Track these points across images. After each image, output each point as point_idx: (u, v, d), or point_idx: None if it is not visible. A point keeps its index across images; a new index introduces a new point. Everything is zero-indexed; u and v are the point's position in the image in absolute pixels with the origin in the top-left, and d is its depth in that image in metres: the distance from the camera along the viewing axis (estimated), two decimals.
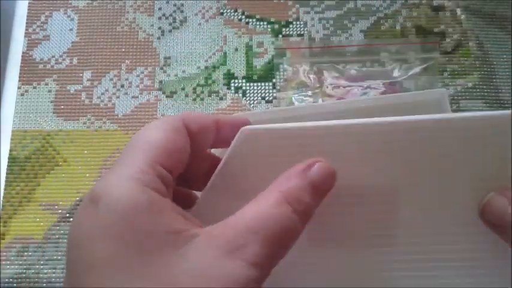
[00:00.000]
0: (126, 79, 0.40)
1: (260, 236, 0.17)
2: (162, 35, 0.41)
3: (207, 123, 0.22)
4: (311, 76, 0.38)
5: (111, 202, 0.17)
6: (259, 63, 0.40)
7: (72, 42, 0.41)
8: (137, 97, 0.39)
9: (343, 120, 0.22)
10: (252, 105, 0.39)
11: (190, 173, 0.22)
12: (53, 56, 0.41)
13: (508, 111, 0.21)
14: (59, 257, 0.35)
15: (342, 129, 0.22)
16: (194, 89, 0.39)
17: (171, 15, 0.42)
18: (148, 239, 0.17)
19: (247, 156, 0.22)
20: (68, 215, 0.36)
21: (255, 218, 0.18)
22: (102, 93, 0.39)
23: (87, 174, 0.37)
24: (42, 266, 0.35)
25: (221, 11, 0.42)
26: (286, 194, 0.19)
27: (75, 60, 0.40)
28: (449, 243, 0.23)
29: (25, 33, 0.41)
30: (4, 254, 0.35)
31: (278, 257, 0.18)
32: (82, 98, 0.39)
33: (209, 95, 0.39)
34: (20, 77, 0.40)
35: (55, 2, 0.42)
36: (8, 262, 0.35)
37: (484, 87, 0.39)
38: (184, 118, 0.21)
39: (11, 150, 0.38)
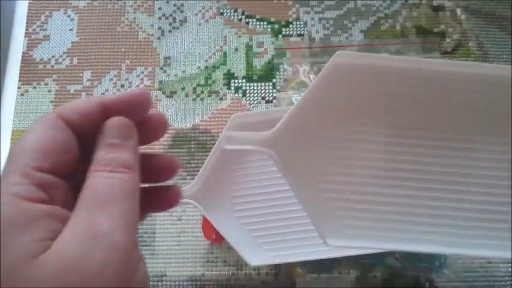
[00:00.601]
0: (126, 79, 0.40)
1: None
2: (162, 35, 0.41)
3: (88, 109, 0.20)
4: (311, 76, 0.38)
5: None
6: (259, 63, 0.40)
7: (72, 42, 0.41)
8: None
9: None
10: (252, 105, 0.39)
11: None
12: (53, 56, 0.41)
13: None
14: None
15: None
16: (194, 89, 0.39)
17: (171, 15, 0.42)
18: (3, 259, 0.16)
19: (335, 84, 0.23)
20: None
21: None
22: (102, 93, 0.39)
23: None
24: None
25: (221, 11, 0.42)
26: (109, 166, 0.19)
27: (75, 60, 0.40)
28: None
29: (25, 33, 0.41)
30: None
31: None
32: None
33: (209, 95, 0.39)
34: (20, 77, 0.40)
35: (55, 2, 0.42)
36: None
37: None
38: (61, 112, 0.19)
39: None
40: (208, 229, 0.34)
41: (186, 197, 0.28)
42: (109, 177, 0.18)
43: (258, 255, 0.29)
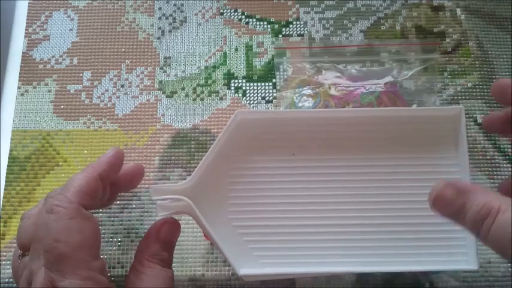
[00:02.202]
0: (126, 79, 0.40)
1: None
2: (162, 35, 0.41)
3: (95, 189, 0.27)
4: (312, 75, 0.38)
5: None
6: (259, 63, 0.40)
7: (72, 42, 0.41)
8: (137, 97, 0.39)
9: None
10: (252, 105, 0.39)
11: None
12: (53, 56, 0.41)
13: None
14: None
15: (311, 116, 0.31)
16: (194, 89, 0.39)
17: (171, 15, 0.42)
18: None
19: (236, 137, 0.29)
20: None
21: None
22: (102, 93, 0.39)
23: None
24: None
25: (221, 11, 0.42)
26: (152, 258, 0.27)
27: (75, 60, 0.40)
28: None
29: (25, 33, 0.41)
30: (4, 254, 0.35)
31: None
32: (82, 98, 0.39)
33: (209, 95, 0.39)
34: (20, 77, 0.40)
35: (55, 2, 0.42)
36: (8, 262, 0.35)
37: (484, 87, 0.39)
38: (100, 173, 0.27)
39: (11, 150, 0.38)
40: None
41: (176, 193, 0.28)
42: (163, 270, 0.27)
43: (248, 263, 0.29)
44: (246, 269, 0.28)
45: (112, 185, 0.29)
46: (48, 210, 0.25)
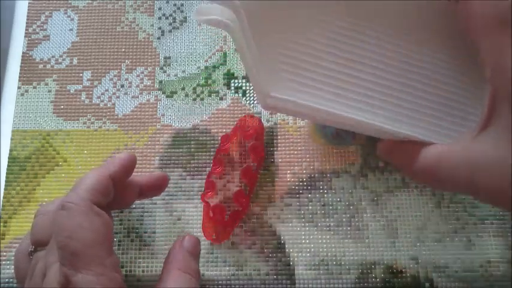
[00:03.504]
0: (126, 79, 0.40)
1: None
2: (162, 35, 0.41)
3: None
4: None
5: None
6: None
7: (72, 42, 0.41)
8: (137, 97, 0.39)
9: None
10: (252, 105, 0.39)
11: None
12: (53, 56, 0.41)
13: None
14: None
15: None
16: (194, 89, 0.39)
17: (171, 15, 0.42)
18: None
19: None
20: None
21: None
22: (102, 93, 0.39)
23: None
24: None
25: None
26: (181, 267, 0.28)
27: (75, 60, 0.40)
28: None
29: (25, 33, 0.41)
30: (4, 254, 0.35)
31: None
32: (82, 98, 0.39)
33: (209, 95, 0.39)
34: (20, 77, 0.40)
35: (55, 2, 0.42)
36: (8, 262, 0.35)
37: None
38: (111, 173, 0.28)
39: (11, 150, 0.38)
40: (208, 229, 0.34)
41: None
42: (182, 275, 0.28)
43: (276, 85, 0.25)
44: (276, 93, 0.24)
45: (141, 191, 0.32)
46: (60, 207, 0.25)
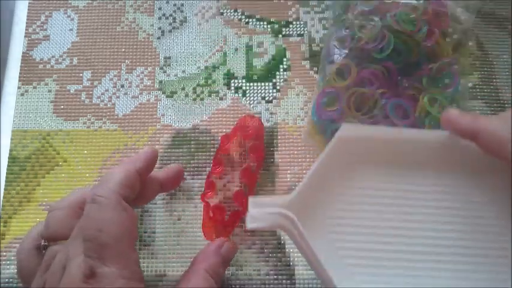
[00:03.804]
0: (126, 79, 0.40)
1: None
2: (162, 35, 0.41)
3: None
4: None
5: None
6: (259, 63, 0.40)
7: (72, 42, 0.41)
8: (137, 97, 0.39)
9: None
10: (252, 105, 0.39)
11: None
12: (53, 56, 0.41)
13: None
14: None
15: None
16: (194, 89, 0.39)
17: (171, 15, 0.42)
18: None
19: (339, 157, 0.28)
20: None
21: None
22: (102, 93, 0.39)
23: (87, 174, 0.37)
24: None
25: (221, 11, 0.42)
26: (209, 270, 0.28)
27: (75, 60, 0.40)
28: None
29: (25, 33, 0.41)
30: (4, 254, 0.35)
31: None
32: (82, 98, 0.39)
33: (209, 95, 0.39)
34: (20, 77, 0.40)
35: (55, 2, 0.42)
36: (8, 262, 0.35)
37: (484, 87, 0.39)
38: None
39: (11, 150, 0.38)
40: (209, 229, 0.34)
41: (278, 206, 0.27)
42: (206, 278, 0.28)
43: (346, 279, 0.28)
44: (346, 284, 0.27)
45: (161, 185, 0.32)
46: (90, 201, 0.26)
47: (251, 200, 0.27)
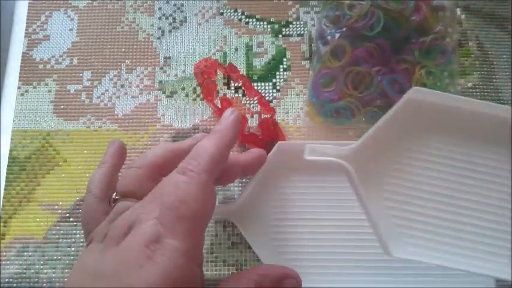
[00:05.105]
0: (126, 79, 0.40)
1: None
2: (162, 35, 0.41)
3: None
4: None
5: None
6: (259, 63, 0.40)
7: (72, 42, 0.41)
8: (137, 97, 0.39)
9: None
10: (252, 105, 0.39)
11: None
12: (53, 56, 0.41)
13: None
14: (59, 257, 0.35)
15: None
16: (194, 89, 0.39)
17: (171, 15, 0.42)
18: None
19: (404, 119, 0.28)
20: (67, 215, 0.36)
21: None
22: (102, 93, 0.39)
23: (87, 174, 0.37)
24: (42, 266, 0.35)
25: (221, 11, 0.42)
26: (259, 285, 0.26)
27: (75, 60, 0.40)
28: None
29: (25, 33, 0.41)
30: (4, 254, 0.35)
31: None
32: (82, 98, 0.39)
33: None
34: (20, 77, 0.40)
35: (55, 2, 0.42)
36: (8, 262, 0.35)
37: (484, 87, 0.39)
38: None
39: (11, 150, 0.38)
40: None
41: (336, 157, 0.26)
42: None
43: (396, 246, 0.27)
44: (399, 253, 0.27)
45: (243, 170, 0.31)
46: (180, 172, 0.25)
47: (309, 146, 0.27)
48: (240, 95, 0.39)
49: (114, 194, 0.27)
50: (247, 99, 0.39)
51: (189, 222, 0.23)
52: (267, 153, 0.31)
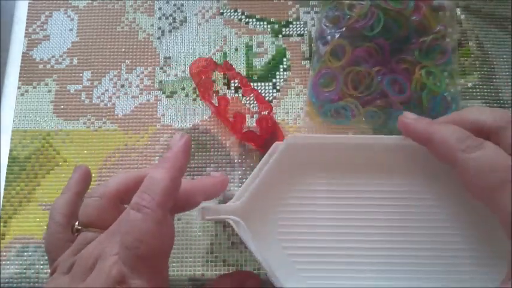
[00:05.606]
0: (126, 79, 0.40)
1: None
2: (162, 35, 0.41)
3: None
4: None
5: None
6: (259, 63, 0.40)
7: (72, 42, 0.41)
8: (137, 97, 0.39)
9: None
10: (252, 105, 0.39)
11: None
12: (53, 56, 0.41)
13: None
14: None
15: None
16: (194, 89, 0.39)
17: (171, 15, 0.42)
18: None
19: (285, 164, 0.30)
20: None
21: None
22: (102, 93, 0.39)
23: None
24: (42, 266, 0.35)
25: (221, 11, 0.42)
26: None
27: (75, 60, 0.40)
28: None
29: (25, 33, 0.41)
30: (4, 254, 0.35)
31: None
32: (82, 98, 0.39)
33: None
34: (20, 77, 0.40)
35: (55, 2, 0.42)
36: (8, 262, 0.35)
37: (484, 87, 0.39)
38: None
39: (11, 150, 0.38)
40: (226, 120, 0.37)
41: (228, 213, 0.29)
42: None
43: (294, 280, 0.29)
44: (292, 282, 0.29)
45: (205, 196, 0.31)
46: (135, 208, 0.24)
47: (204, 207, 0.29)
48: (240, 95, 0.39)
49: (77, 223, 0.27)
50: (246, 98, 0.39)
51: (150, 261, 0.24)
52: (266, 151, 0.31)
